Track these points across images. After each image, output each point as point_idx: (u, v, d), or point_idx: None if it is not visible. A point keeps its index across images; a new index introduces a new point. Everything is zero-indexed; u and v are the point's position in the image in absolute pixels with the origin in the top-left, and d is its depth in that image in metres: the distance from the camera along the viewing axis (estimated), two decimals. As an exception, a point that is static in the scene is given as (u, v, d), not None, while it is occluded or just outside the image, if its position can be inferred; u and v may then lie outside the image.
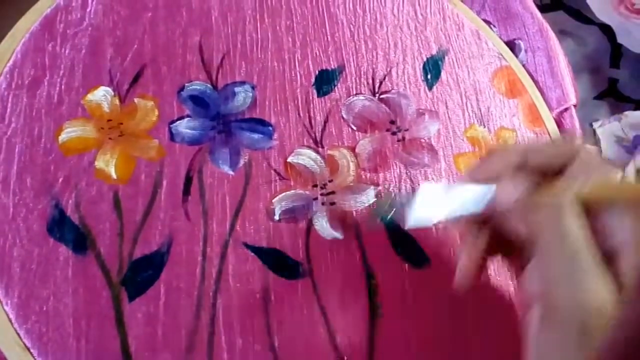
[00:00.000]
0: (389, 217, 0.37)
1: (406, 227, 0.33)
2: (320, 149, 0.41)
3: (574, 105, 0.54)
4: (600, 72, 0.78)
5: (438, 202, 0.32)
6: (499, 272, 0.39)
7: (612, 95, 0.77)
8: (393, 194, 0.38)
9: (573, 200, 0.27)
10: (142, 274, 0.35)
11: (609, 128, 0.72)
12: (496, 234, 0.31)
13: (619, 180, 0.28)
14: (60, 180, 0.37)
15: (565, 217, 0.27)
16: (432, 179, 0.41)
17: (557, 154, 0.30)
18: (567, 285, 0.25)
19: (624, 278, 0.26)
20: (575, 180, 0.29)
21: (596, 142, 0.72)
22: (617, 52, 0.79)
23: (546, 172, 0.30)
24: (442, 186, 0.32)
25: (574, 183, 0.28)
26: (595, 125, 0.73)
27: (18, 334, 0.33)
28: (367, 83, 0.44)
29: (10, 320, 0.33)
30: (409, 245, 0.39)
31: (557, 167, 0.30)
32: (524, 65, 0.52)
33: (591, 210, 0.28)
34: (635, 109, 0.73)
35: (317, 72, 0.43)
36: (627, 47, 0.78)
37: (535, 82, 0.51)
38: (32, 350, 0.33)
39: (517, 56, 0.52)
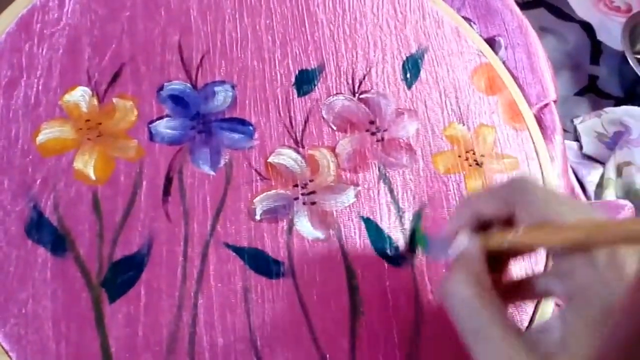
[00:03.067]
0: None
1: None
2: (300, 149, 0.41)
3: (554, 101, 0.54)
4: (581, 69, 0.79)
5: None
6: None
7: (592, 92, 0.78)
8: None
9: (470, 271, 0.28)
10: (122, 275, 0.35)
11: (589, 124, 0.73)
12: None
13: (557, 219, 0.27)
14: (39, 181, 0.36)
15: (459, 291, 0.27)
16: (410, 179, 0.42)
17: (501, 201, 0.30)
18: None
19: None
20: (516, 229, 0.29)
21: (577, 138, 0.73)
22: (596, 48, 0.80)
23: (501, 219, 0.30)
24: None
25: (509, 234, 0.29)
26: (576, 121, 0.74)
27: (-4, 337, 0.33)
28: (347, 83, 0.44)
29: (-12, 324, 0.33)
30: (389, 245, 0.39)
31: (506, 214, 0.29)
32: (504, 62, 0.52)
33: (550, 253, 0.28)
34: (615, 105, 0.74)
35: (297, 71, 0.43)
36: (607, 43, 0.78)
37: (515, 78, 0.51)
38: (10, 354, 0.32)
39: (497, 53, 0.53)
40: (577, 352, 0.25)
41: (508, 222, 0.29)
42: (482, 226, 0.31)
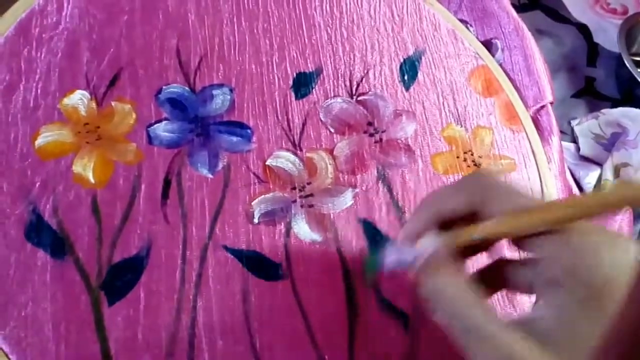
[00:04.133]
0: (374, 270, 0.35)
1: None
2: (298, 152, 0.41)
3: (551, 103, 0.54)
4: (577, 71, 0.79)
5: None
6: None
7: (589, 94, 0.78)
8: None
9: (443, 259, 0.28)
10: (121, 278, 0.35)
11: (586, 126, 0.73)
12: None
13: (525, 205, 0.27)
14: (38, 184, 0.36)
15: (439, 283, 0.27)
16: (409, 180, 0.42)
17: (466, 196, 0.29)
18: (473, 346, 0.25)
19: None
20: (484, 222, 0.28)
21: (574, 139, 0.73)
22: (593, 51, 0.80)
23: (466, 216, 0.29)
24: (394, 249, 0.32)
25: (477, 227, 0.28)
26: (574, 123, 0.74)
27: (-4, 341, 0.33)
28: (345, 85, 0.44)
29: (-12, 327, 0.33)
30: (385, 246, 0.39)
31: (470, 209, 0.29)
32: (500, 64, 0.53)
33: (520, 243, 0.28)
34: (612, 107, 0.75)
35: (294, 74, 0.44)
36: (603, 45, 0.79)
37: (512, 80, 0.51)
38: (10, 357, 0.32)
39: (494, 55, 0.53)
40: (579, 336, 0.25)
41: (469, 219, 0.29)
42: (443, 227, 0.30)
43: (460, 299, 0.26)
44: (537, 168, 0.46)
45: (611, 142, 0.71)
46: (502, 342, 0.25)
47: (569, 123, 0.74)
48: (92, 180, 0.37)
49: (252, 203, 0.39)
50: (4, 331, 0.33)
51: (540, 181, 0.45)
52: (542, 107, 0.55)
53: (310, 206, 0.39)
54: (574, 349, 0.24)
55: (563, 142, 0.68)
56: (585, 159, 0.72)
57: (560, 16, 0.82)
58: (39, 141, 0.38)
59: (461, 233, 0.29)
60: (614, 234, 0.27)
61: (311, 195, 0.40)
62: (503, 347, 0.24)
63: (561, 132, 0.70)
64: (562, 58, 0.80)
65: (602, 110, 0.74)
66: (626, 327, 0.21)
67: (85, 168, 0.38)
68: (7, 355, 0.32)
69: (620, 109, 0.73)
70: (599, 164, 0.70)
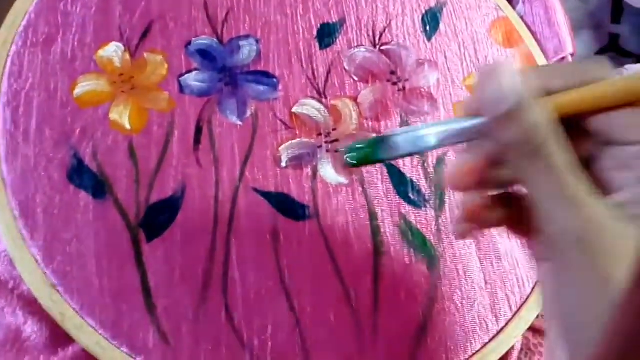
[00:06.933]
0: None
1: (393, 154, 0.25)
2: (323, 100, 0.43)
3: (571, 54, 0.55)
4: (602, 28, 0.79)
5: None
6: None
7: (613, 50, 0.78)
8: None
9: (548, 120, 0.23)
10: (159, 217, 0.37)
11: (610, 83, 0.73)
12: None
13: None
14: (78, 131, 0.38)
15: (543, 144, 0.23)
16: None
17: (584, 81, 0.24)
18: (553, 209, 0.23)
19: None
20: None
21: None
22: (618, 7, 0.80)
23: None
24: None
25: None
26: (597, 80, 0.74)
27: (45, 274, 0.35)
28: (368, 35, 0.45)
29: (37, 261, 0.35)
30: (411, 188, 0.41)
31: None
32: (522, 17, 0.53)
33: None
34: (636, 63, 0.74)
35: (319, 25, 0.45)
36: (629, 2, 0.78)
37: (533, 33, 0.52)
38: (58, 288, 0.35)
39: (515, 8, 0.53)
40: None
41: None
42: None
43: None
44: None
45: (634, 98, 0.71)
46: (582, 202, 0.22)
47: (592, 80, 0.75)
48: (128, 127, 0.39)
49: (280, 148, 0.40)
50: (53, 265, 0.35)
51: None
52: (563, 58, 0.55)
53: (336, 151, 0.41)
54: None
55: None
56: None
57: (584, -29, 0.81)
58: (77, 91, 0.40)
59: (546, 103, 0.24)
60: None
61: (336, 140, 0.41)
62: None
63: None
64: (586, 16, 0.79)
65: (626, 66, 0.74)
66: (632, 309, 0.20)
67: (122, 115, 0.39)
68: (55, 287, 0.35)
69: (644, 63, 0.73)
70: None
